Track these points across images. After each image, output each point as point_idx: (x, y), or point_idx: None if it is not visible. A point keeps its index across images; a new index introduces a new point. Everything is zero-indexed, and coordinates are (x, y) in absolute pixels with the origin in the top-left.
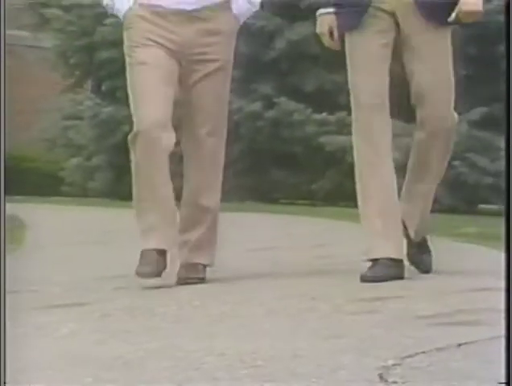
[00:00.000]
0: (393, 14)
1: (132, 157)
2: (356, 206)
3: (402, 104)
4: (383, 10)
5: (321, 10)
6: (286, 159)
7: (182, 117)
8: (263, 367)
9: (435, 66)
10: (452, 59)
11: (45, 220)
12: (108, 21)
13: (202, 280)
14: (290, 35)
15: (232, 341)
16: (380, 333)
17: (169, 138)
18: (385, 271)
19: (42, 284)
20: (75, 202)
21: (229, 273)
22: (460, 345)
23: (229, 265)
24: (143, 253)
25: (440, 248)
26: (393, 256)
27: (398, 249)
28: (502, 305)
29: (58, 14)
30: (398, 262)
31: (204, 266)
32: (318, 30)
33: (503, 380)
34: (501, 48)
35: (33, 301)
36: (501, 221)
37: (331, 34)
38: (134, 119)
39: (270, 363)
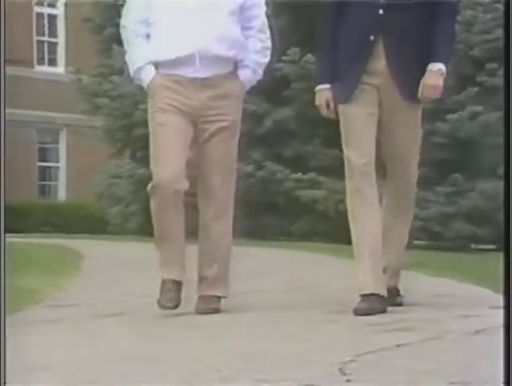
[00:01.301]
0: (378, 89)
1: (151, 204)
2: (322, 241)
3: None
4: (370, 85)
5: (319, 86)
6: (271, 207)
7: (197, 171)
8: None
9: (407, 134)
10: (420, 128)
11: (96, 252)
12: (142, 106)
13: (218, 310)
14: (275, 116)
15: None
16: (341, 337)
17: (182, 188)
18: (374, 305)
19: (93, 299)
20: (117, 238)
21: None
22: (398, 345)
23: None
24: (162, 283)
25: None
26: (381, 293)
27: (384, 287)
28: (433, 315)
29: (106, 102)
30: (383, 298)
31: (220, 298)
32: (317, 103)
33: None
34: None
35: (87, 312)
36: (431, 254)
37: (327, 105)
38: (153, 173)
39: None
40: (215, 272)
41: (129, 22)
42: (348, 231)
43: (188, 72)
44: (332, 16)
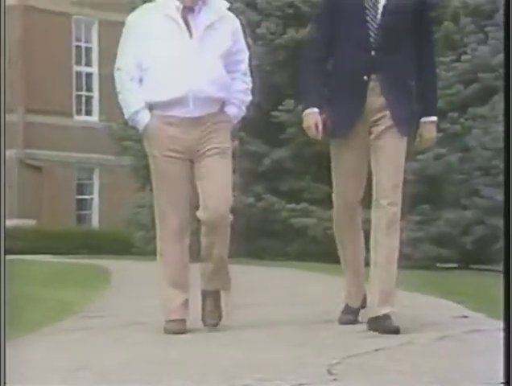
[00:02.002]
0: (372, 126)
1: (157, 245)
2: (313, 261)
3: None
4: (365, 123)
5: (308, 110)
6: (270, 233)
7: (199, 195)
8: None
9: (396, 165)
10: (404, 159)
11: (123, 269)
12: None
13: (218, 323)
14: (273, 156)
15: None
16: (330, 342)
17: (186, 233)
18: (354, 317)
19: (119, 310)
20: (140, 258)
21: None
22: (376, 350)
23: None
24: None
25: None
26: (357, 306)
27: (362, 300)
28: (404, 324)
29: (131, 145)
30: (357, 310)
31: (221, 315)
32: (304, 125)
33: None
34: None
35: (114, 321)
36: (402, 272)
37: (316, 128)
38: (159, 225)
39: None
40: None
41: (124, 65)
42: (335, 252)
43: (182, 113)
44: (318, 48)
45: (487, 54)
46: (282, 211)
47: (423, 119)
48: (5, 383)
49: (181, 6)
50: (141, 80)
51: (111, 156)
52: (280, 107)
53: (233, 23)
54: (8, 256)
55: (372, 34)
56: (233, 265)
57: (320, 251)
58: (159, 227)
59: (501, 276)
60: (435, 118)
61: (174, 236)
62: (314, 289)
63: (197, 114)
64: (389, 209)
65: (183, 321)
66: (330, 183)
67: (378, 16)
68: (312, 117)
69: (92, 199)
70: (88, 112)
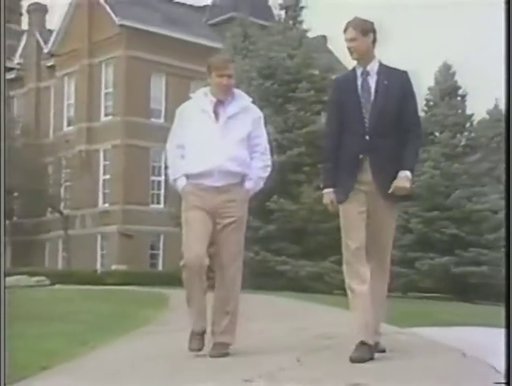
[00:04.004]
0: (366, 194)
1: (183, 275)
2: (289, 291)
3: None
4: (360, 191)
5: (325, 190)
6: (264, 274)
7: (214, 253)
8: None
9: (386, 227)
10: (395, 223)
11: (178, 294)
12: None
13: (226, 354)
14: (265, 229)
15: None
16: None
17: (204, 264)
18: (368, 354)
19: (174, 322)
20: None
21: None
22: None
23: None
24: (191, 332)
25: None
26: (371, 342)
27: (373, 337)
28: (389, 355)
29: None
30: (371, 347)
31: (228, 345)
32: (324, 201)
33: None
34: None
35: (171, 328)
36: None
37: (332, 203)
38: (184, 254)
39: None
40: (224, 325)
41: (170, 146)
42: (302, 286)
43: (209, 182)
44: (333, 140)
45: None
46: (271, 261)
47: (399, 173)
48: (5, 383)
49: (214, 100)
50: (182, 157)
51: (171, 227)
52: (271, 200)
53: (254, 113)
54: (116, 287)
55: (366, 121)
56: (243, 294)
57: (294, 285)
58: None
59: None
60: (407, 173)
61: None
62: (292, 306)
63: (220, 184)
64: (379, 261)
65: (202, 335)
66: (301, 246)
67: (371, 98)
68: (328, 196)
69: (159, 253)
70: (158, 202)
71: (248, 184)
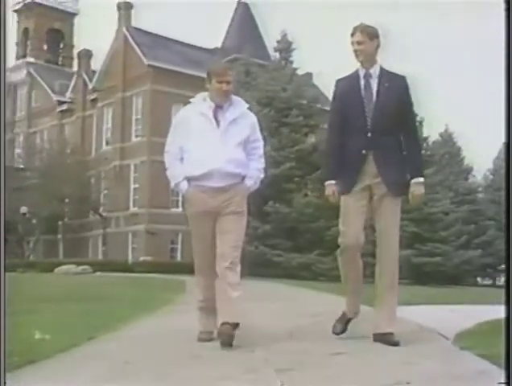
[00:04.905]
0: (369, 187)
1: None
2: (285, 279)
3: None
4: (363, 184)
5: (328, 182)
6: (262, 265)
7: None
8: None
9: (391, 221)
10: (399, 215)
11: (193, 281)
12: None
13: (233, 337)
14: (262, 228)
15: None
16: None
17: (212, 261)
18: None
19: (189, 302)
20: None
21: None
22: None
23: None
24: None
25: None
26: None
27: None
28: (366, 333)
29: None
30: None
31: (236, 325)
32: (326, 193)
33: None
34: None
35: (187, 308)
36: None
37: (333, 194)
38: (195, 264)
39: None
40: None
41: (171, 148)
42: (294, 273)
43: (210, 183)
44: (336, 137)
45: None
46: (268, 254)
47: (413, 180)
48: (5, 383)
49: (213, 105)
50: (182, 159)
51: (187, 227)
52: (267, 204)
53: (251, 119)
54: (143, 274)
55: (368, 119)
56: (243, 281)
57: (287, 274)
58: (195, 262)
59: None
60: (421, 179)
61: (203, 269)
62: (285, 290)
63: (220, 185)
64: (386, 254)
65: (211, 332)
66: (293, 241)
67: (373, 98)
68: (330, 188)
69: (177, 247)
70: (177, 206)
71: (248, 182)
